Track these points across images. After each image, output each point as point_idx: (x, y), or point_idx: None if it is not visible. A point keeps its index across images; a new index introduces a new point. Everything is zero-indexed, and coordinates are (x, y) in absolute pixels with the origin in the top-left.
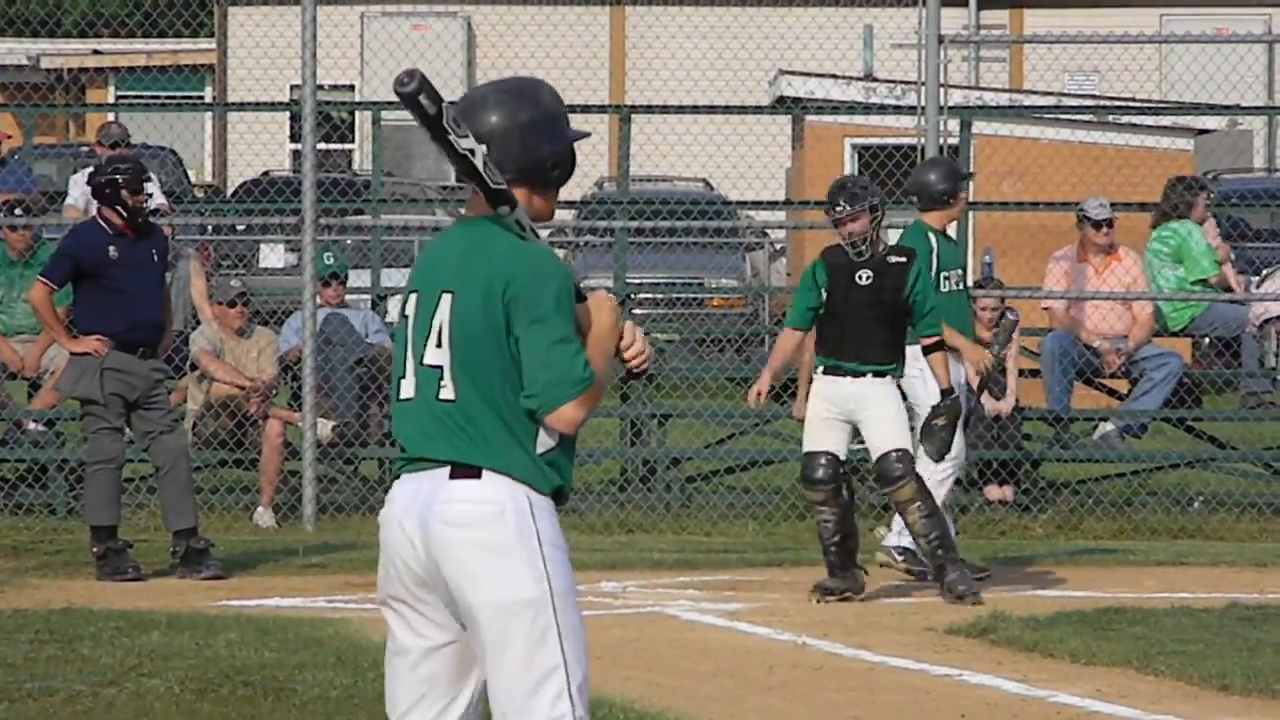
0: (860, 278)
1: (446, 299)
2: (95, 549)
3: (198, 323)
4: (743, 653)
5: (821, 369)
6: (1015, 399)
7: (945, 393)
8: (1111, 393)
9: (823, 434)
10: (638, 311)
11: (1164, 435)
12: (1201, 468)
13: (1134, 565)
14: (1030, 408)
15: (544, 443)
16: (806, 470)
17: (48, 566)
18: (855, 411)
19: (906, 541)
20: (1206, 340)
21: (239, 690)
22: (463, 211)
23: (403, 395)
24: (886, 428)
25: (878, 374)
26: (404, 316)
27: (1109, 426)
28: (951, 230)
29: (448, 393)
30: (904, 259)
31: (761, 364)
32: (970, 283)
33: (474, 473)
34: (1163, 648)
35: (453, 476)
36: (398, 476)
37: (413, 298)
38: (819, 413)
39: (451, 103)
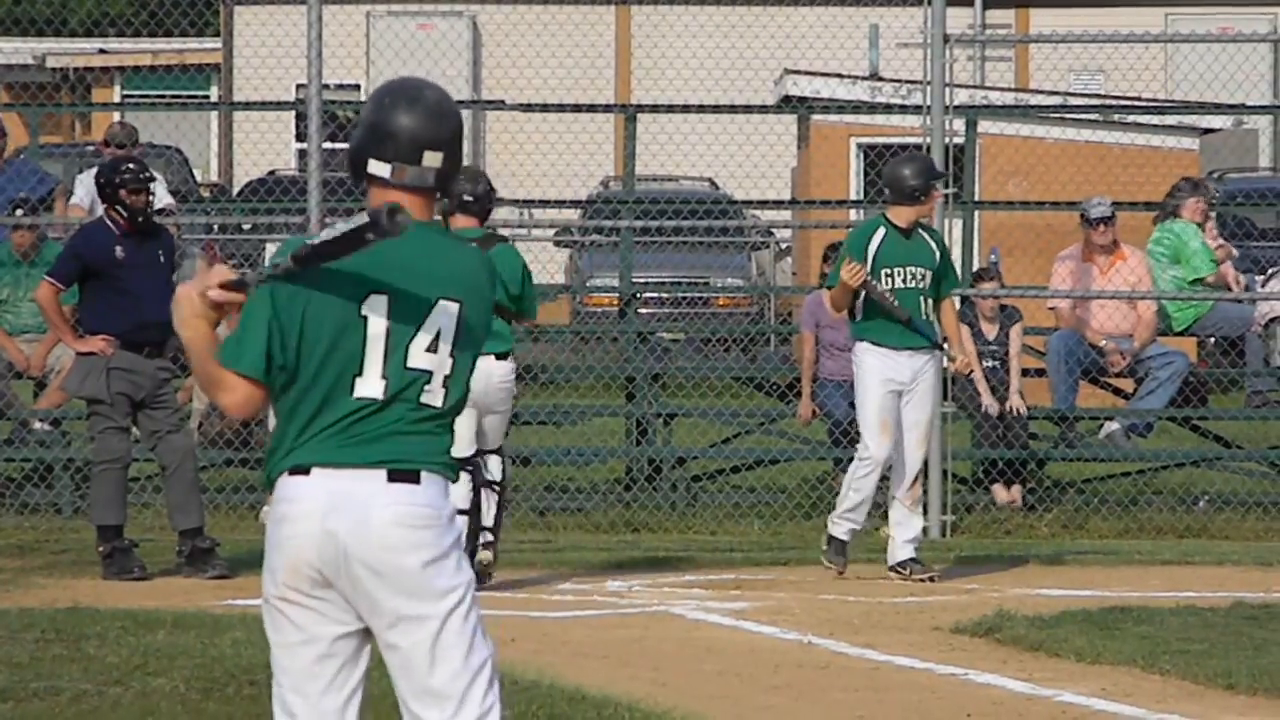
0: None
1: (450, 307)
2: (101, 548)
3: None
4: (748, 652)
5: None
6: (1022, 398)
7: None
8: (1117, 392)
9: None
10: (644, 310)
11: (1169, 434)
12: (1207, 467)
13: (1139, 564)
14: (1036, 407)
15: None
16: None
17: (53, 566)
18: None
19: (903, 555)
20: (1212, 339)
21: (245, 689)
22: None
23: (361, 393)
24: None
25: None
26: (362, 316)
27: (1114, 426)
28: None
29: (434, 399)
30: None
31: (767, 363)
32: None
33: (413, 476)
34: (1168, 647)
35: (391, 479)
36: (306, 467)
37: (378, 299)
38: None
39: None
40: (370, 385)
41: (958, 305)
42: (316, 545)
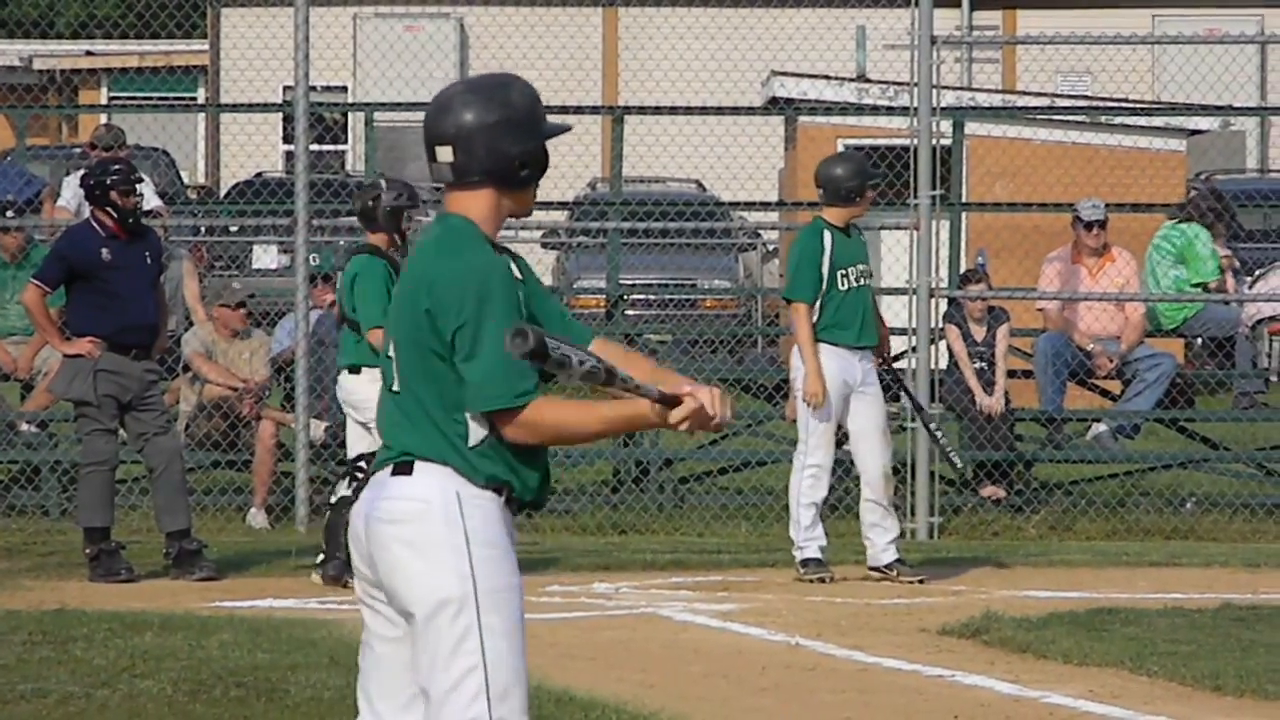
0: None
1: (400, 296)
2: (88, 550)
3: (190, 324)
4: (736, 653)
5: None
6: (1007, 398)
7: None
8: (1104, 393)
9: None
10: (631, 312)
11: (1157, 436)
12: (1194, 468)
13: (1127, 566)
14: (1023, 408)
15: (475, 435)
16: None
17: (41, 568)
18: None
19: (887, 558)
20: (1199, 341)
21: (232, 691)
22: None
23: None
24: None
25: None
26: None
27: (1102, 427)
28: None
29: (396, 384)
30: None
31: (754, 364)
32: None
33: (407, 468)
34: (1155, 648)
35: (394, 473)
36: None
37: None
38: None
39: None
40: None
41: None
42: (354, 544)
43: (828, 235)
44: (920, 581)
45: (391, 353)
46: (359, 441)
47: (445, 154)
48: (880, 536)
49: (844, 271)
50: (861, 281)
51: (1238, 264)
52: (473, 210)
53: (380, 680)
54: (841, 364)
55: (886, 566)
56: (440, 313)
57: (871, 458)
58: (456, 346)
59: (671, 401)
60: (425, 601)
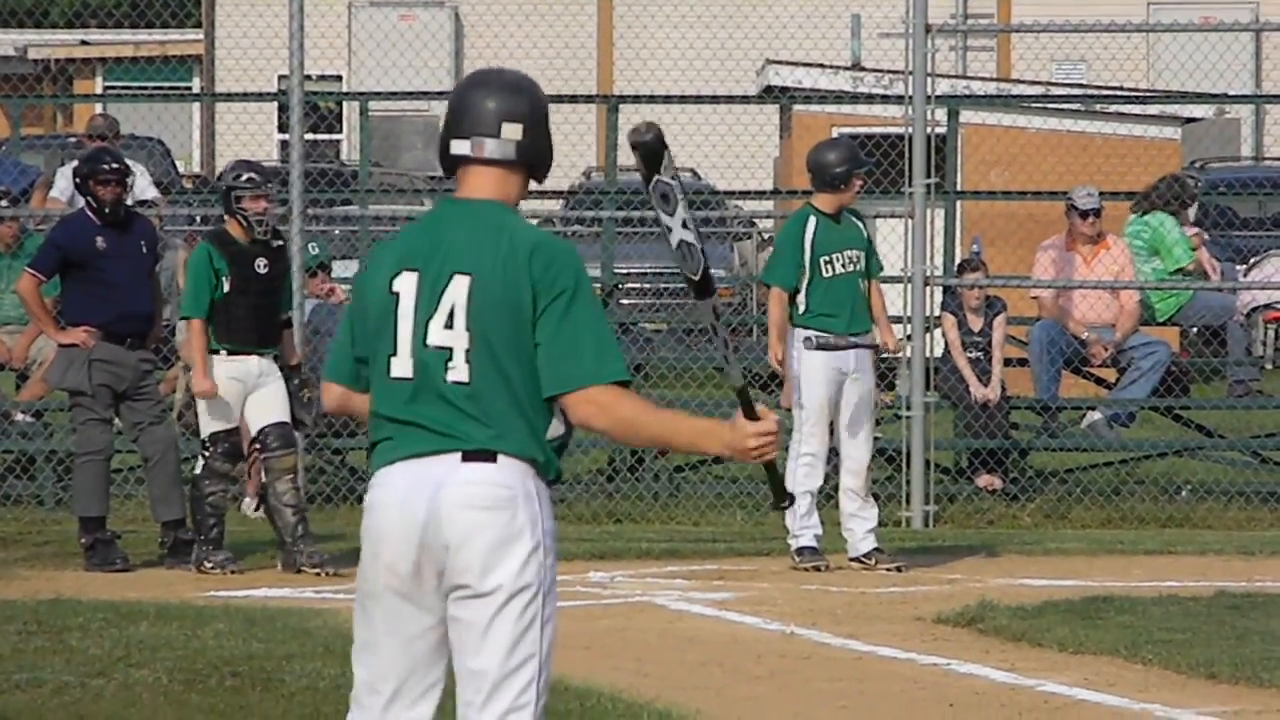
0: None
1: (462, 281)
2: (83, 540)
3: None
4: (731, 642)
5: None
6: (1003, 387)
7: None
8: (1099, 381)
9: None
10: (625, 301)
11: (1152, 424)
12: (1189, 456)
13: (1122, 554)
14: (1018, 396)
15: (554, 430)
16: None
17: (36, 558)
18: None
19: (866, 547)
20: (1194, 329)
21: (227, 681)
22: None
23: (395, 374)
24: None
25: None
26: (392, 294)
27: (1097, 415)
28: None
29: (459, 375)
30: None
31: (749, 353)
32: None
33: (489, 456)
34: (1150, 636)
35: (465, 459)
36: (388, 460)
37: (409, 276)
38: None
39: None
40: (402, 365)
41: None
42: (399, 532)
43: (813, 221)
44: (898, 569)
45: (444, 341)
46: (214, 421)
47: (515, 131)
48: (859, 526)
49: (828, 258)
50: (850, 268)
51: (1206, 236)
52: (512, 193)
53: (405, 676)
54: (831, 352)
55: (865, 555)
56: (541, 295)
57: (857, 447)
58: (550, 325)
59: (750, 410)
60: (507, 587)
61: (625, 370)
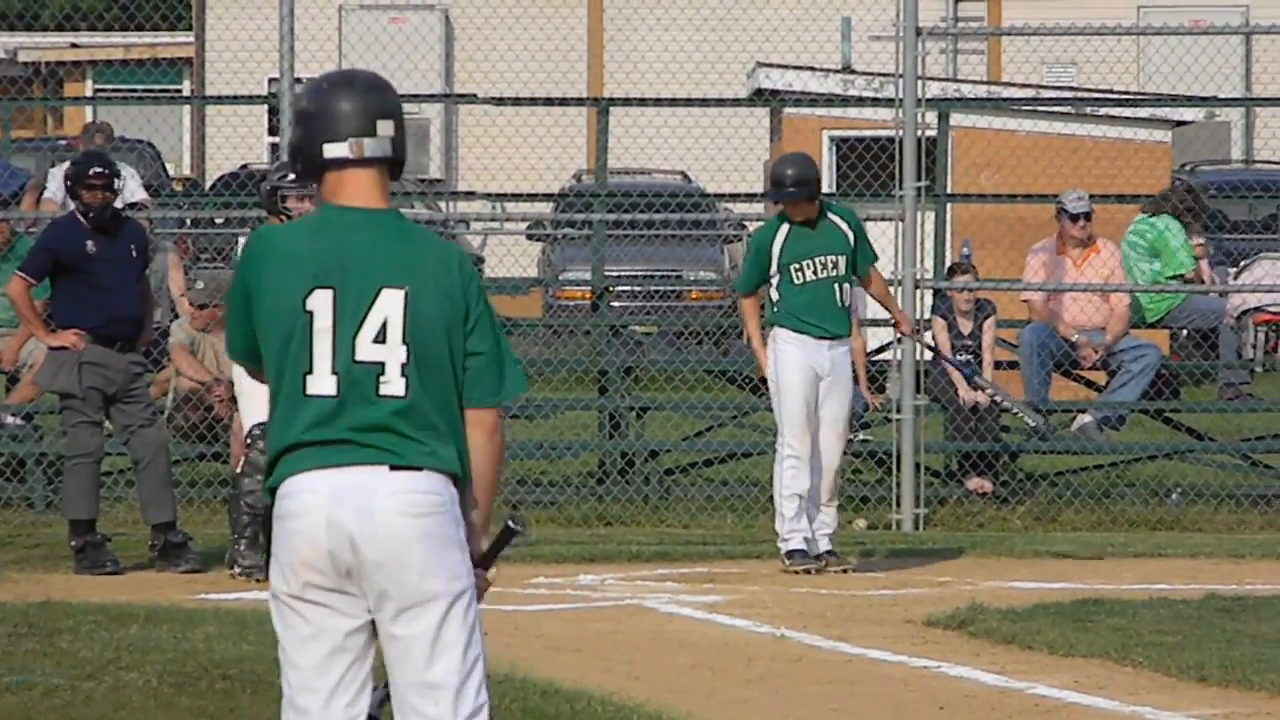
0: None
1: (393, 294)
2: (74, 543)
3: (176, 316)
4: (721, 645)
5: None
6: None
7: None
8: (1090, 384)
9: None
10: (616, 304)
11: (1142, 427)
12: (1179, 459)
13: (1112, 557)
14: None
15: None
16: None
17: (26, 560)
18: None
19: (821, 547)
20: (1184, 332)
21: (217, 683)
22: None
23: (313, 391)
24: None
25: None
26: (306, 312)
27: (1087, 418)
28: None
29: (393, 389)
30: None
31: (739, 356)
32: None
33: (414, 467)
34: (1141, 639)
35: (393, 470)
36: (302, 468)
37: (323, 294)
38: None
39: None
40: (322, 383)
41: (884, 275)
42: (324, 537)
43: (784, 229)
44: (845, 571)
45: (374, 356)
46: (257, 412)
47: (388, 128)
48: (818, 529)
49: (798, 265)
50: (824, 274)
51: (1211, 250)
52: (385, 196)
53: (342, 673)
54: (806, 352)
55: (817, 557)
56: (472, 305)
57: (828, 450)
58: (484, 335)
59: (486, 562)
60: (446, 594)
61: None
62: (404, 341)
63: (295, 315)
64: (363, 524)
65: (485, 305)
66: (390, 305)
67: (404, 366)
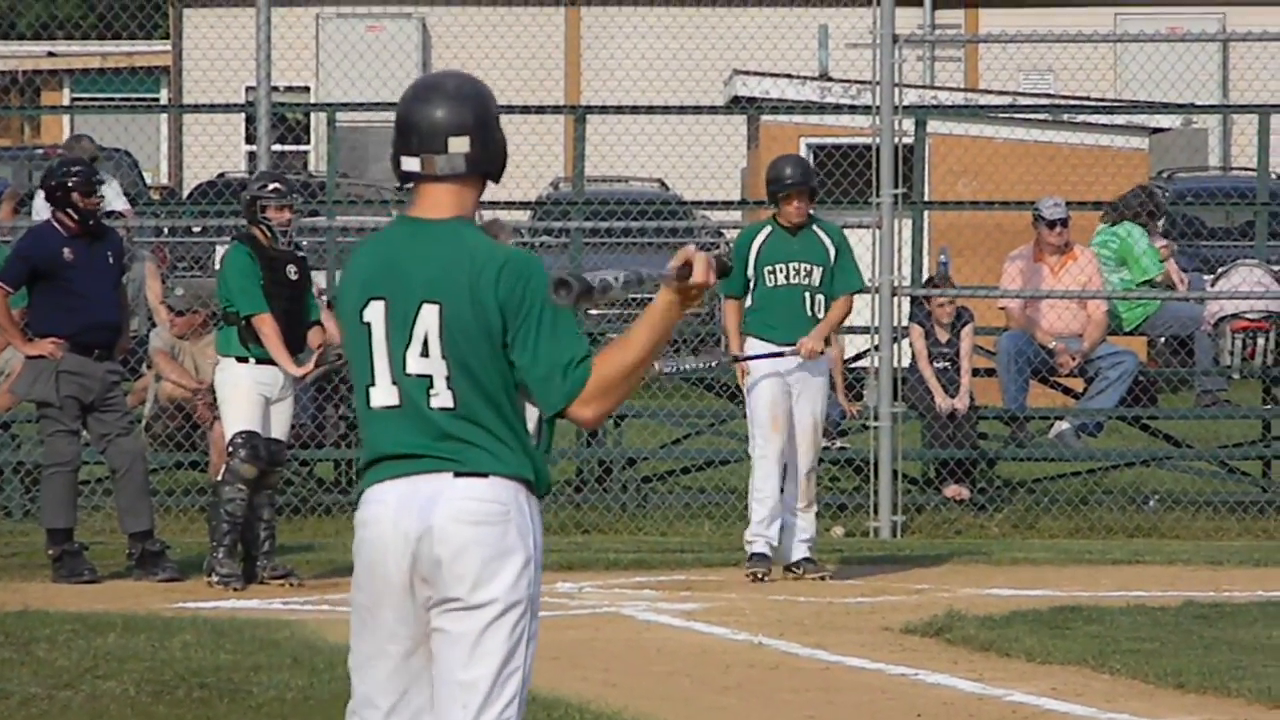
0: None
1: (431, 309)
2: (51, 551)
3: (153, 325)
4: (699, 652)
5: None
6: (970, 397)
7: None
8: (1067, 391)
9: None
10: (594, 312)
11: (1119, 434)
12: (1157, 466)
13: (1090, 564)
14: (986, 406)
15: (534, 439)
16: None
17: (3, 569)
18: None
19: (797, 555)
20: (1161, 339)
21: (195, 692)
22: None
23: (377, 403)
24: None
25: None
26: (364, 324)
27: (1064, 425)
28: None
29: (442, 400)
30: None
31: (717, 363)
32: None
33: (479, 474)
34: (1118, 646)
35: (458, 476)
36: (378, 479)
37: (377, 305)
38: None
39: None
40: (383, 394)
41: (852, 307)
42: (390, 546)
43: (764, 232)
44: (822, 578)
45: (422, 369)
46: (239, 421)
47: (462, 144)
48: (792, 536)
49: (772, 268)
50: (796, 280)
51: (1175, 247)
52: (469, 204)
53: (405, 686)
54: (770, 358)
55: (794, 564)
56: (510, 318)
57: (801, 453)
58: (529, 345)
59: (684, 272)
60: (500, 601)
61: (586, 349)
62: (444, 356)
63: (355, 325)
64: (424, 531)
65: (530, 316)
66: (429, 320)
67: (449, 380)
